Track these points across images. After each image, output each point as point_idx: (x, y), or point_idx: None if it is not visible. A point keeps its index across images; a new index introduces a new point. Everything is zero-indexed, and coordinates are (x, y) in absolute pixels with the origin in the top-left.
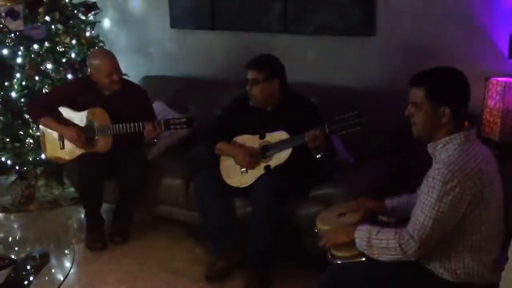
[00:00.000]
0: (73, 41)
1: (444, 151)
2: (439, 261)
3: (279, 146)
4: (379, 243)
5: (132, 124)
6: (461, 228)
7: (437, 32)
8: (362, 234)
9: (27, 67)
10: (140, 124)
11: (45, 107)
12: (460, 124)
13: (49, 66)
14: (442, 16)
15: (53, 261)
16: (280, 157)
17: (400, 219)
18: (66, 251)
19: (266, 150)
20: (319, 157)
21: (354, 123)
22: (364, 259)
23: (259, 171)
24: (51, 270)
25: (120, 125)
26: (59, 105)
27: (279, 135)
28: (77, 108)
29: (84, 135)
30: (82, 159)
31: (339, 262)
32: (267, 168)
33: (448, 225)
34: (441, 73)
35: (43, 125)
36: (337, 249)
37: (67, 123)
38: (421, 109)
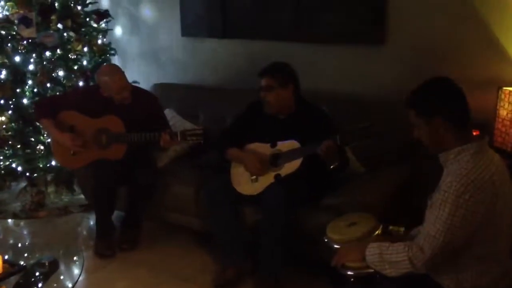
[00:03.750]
0: (85, 49)
1: (456, 162)
2: (446, 273)
3: (290, 155)
4: (389, 257)
5: (147, 134)
6: (471, 240)
7: (449, 41)
8: (373, 251)
9: (39, 74)
10: (156, 134)
11: (50, 109)
12: (467, 132)
13: (61, 73)
14: (454, 24)
15: (62, 268)
16: (290, 166)
17: (409, 229)
18: (75, 258)
19: (277, 159)
20: (333, 167)
21: (367, 134)
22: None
23: (269, 179)
24: (60, 277)
25: (136, 134)
26: (65, 110)
27: (291, 144)
28: (88, 115)
29: (85, 140)
30: (96, 166)
31: (349, 272)
32: (277, 176)
33: (461, 239)
34: (422, 87)
35: (42, 125)
36: None
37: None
38: (420, 128)
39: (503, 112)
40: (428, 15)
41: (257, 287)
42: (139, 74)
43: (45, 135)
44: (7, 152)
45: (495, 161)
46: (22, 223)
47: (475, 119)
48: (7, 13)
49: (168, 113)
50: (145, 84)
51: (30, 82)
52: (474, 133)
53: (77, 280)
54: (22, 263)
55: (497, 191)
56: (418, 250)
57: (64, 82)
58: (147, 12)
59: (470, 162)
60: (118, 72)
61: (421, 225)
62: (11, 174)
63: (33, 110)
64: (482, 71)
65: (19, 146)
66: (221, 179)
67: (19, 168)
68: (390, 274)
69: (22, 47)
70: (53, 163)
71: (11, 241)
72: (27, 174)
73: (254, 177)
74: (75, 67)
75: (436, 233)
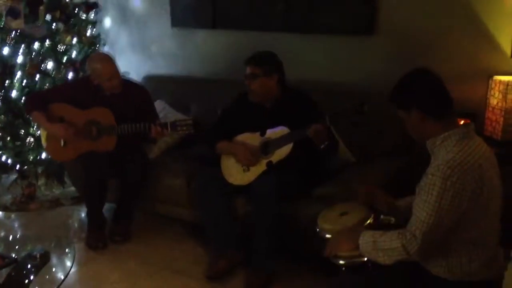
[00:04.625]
0: (74, 40)
1: (442, 148)
2: (436, 260)
3: (280, 141)
4: (383, 245)
5: (137, 125)
6: (459, 224)
7: (439, 30)
8: (367, 239)
9: (27, 66)
10: (146, 125)
11: (40, 102)
12: (451, 119)
13: (49, 65)
14: (444, 14)
15: (53, 260)
16: (281, 153)
17: (401, 221)
18: (66, 250)
19: (267, 147)
20: (323, 147)
21: (355, 111)
22: (365, 258)
23: (261, 167)
24: (52, 269)
25: (126, 126)
26: (55, 103)
27: (280, 131)
28: (78, 107)
29: (80, 129)
30: (87, 158)
31: (341, 261)
32: (269, 164)
33: (450, 222)
34: (399, 80)
35: (33, 119)
36: None
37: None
38: (404, 121)
39: (493, 101)
40: (418, 5)
41: (249, 278)
42: (129, 65)
43: (34, 127)
44: None
45: (481, 147)
46: (13, 215)
47: (466, 108)
48: None
49: (159, 104)
50: (135, 75)
51: (19, 74)
52: (464, 122)
53: (68, 272)
54: (13, 255)
55: (483, 174)
56: (412, 236)
57: (53, 74)
58: (136, 3)
59: (456, 146)
60: (109, 59)
61: (406, 197)
62: (1, 167)
63: (23, 103)
64: (472, 60)
65: (8, 139)
66: (212, 171)
67: (9, 161)
68: (384, 262)
69: (10, 39)
70: (43, 155)
71: (2, 234)
72: (17, 166)
73: (245, 167)
74: (64, 59)
75: (425, 217)
